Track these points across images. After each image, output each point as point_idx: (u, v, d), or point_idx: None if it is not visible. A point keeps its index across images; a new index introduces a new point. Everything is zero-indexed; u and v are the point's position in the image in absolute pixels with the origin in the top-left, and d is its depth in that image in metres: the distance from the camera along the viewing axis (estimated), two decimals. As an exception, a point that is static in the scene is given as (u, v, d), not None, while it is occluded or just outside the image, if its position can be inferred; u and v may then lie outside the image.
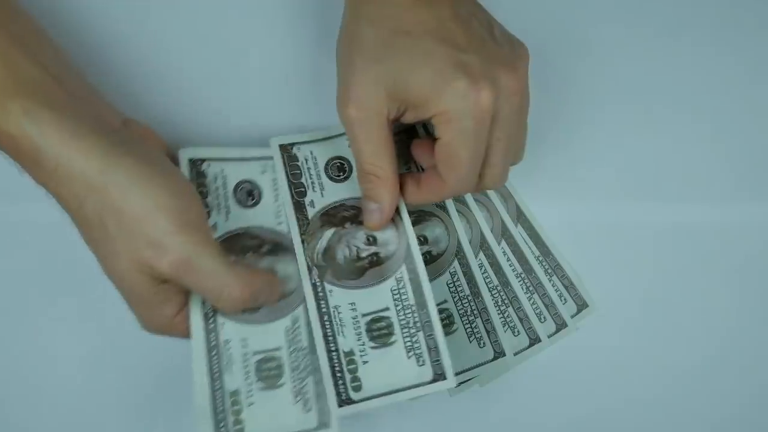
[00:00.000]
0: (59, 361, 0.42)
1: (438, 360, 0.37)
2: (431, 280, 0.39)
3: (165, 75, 0.43)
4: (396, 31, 0.34)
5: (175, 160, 0.38)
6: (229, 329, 0.36)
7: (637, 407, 0.44)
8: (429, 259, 0.41)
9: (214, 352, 0.36)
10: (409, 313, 0.38)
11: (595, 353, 0.44)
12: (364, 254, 0.39)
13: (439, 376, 0.36)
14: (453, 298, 0.43)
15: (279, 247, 0.38)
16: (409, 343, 0.37)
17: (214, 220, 0.38)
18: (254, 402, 0.35)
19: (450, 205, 0.44)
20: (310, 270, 0.39)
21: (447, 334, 0.40)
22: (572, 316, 0.44)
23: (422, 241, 0.41)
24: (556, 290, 0.44)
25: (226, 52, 0.44)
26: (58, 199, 0.32)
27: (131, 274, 0.32)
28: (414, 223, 0.40)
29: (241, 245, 0.38)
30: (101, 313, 0.42)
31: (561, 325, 0.44)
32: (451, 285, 0.43)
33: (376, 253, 0.39)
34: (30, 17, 0.36)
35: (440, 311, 0.40)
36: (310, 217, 0.40)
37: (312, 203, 0.40)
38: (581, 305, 0.44)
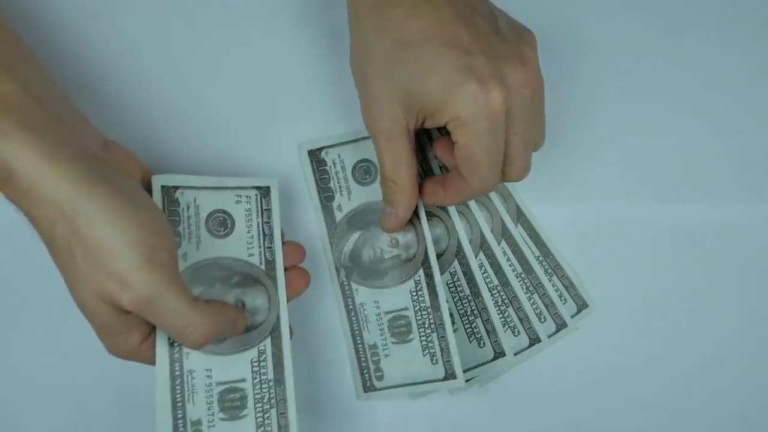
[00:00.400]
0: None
1: (449, 360, 0.40)
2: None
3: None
4: (401, 42, 0.34)
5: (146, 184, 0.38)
6: (193, 359, 0.36)
7: (637, 407, 0.44)
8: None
9: (177, 381, 0.36)
10: (425, 314, 0.41)
11: (595, 353, 0.44)
12: (387, 256, 0.42)
13: (449, 375, 0.40)
14: (453, 298, 0.43)
15: (249, 278, 0.38)
16: (424, 342, 0.40)
17: (185, 249, 0.37)
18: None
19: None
20: (338, 270, 0.42)
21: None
22: (572, 316, 0.44)
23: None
24: (556, 290, 0.44)
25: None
26: (30, 219, 0.32)
27: (95, 303, 0.32)
28: None
29: (210, 275, 0.37)
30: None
31: (561, 325, 0.44)
32: (451, 285, 0.43)
33: (398, 256, 0.42)
34: (15, 35, 0.36)
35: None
36: (337, 221, 0.42)
37: (339, 207, 0.42)
38: (581, 305, 0.44)
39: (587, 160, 0.45)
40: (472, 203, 0.44)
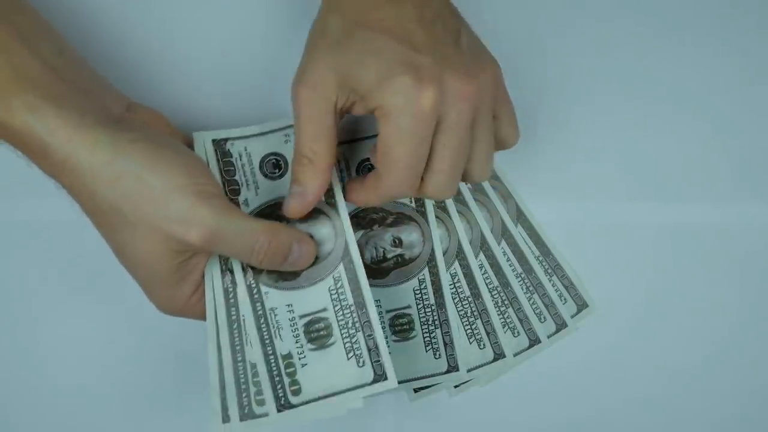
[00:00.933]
0: (67, 359, 0.42)
1: (453, 354, 0.40)
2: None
3: (171, 64, 0.43)
4: (359, 24, 0.34)
5: (184, 143, 0.39)
6: (272, 297, 0.37)
7: (637, 407, 0.44)
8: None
9: (262, 320, 0.37)
10: (428, 311, 0.41)
11: (595, 353, 0.44)
12: (389, 255, 0.41)
13: (453, 368, 0.40)
14: (454, 299, 0.43)
15: (312, 210, 0.38)
16: (427, 338, 0.41)
17: (245, 196, 0.39)
18: (307, 363, 0.36)
19: (450, 205, 0.44)
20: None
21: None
22: (572, 316, 0.44)
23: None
24: (556, 290, 0.44)
25: (228, 42, 0.43)
26: (69, 190, 0.33)
27: (156, 254, 0.33)
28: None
29: (275, 216, 0.38)
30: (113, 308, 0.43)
31: (561, 325, 0.44)
32: (452, 286, 0.43)
33: (401, 255, 0.41)
34: (32, 9, 0.36)
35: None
36: None
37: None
38: (581, 305, 0.44)
39: (587, 160, 0.45)
40: (471, 203, 0.44)
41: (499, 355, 0.43)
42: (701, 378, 0.44)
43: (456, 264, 0.43)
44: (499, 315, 0.43)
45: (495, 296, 0.43)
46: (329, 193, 0.40)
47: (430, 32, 0.34)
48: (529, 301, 0.44)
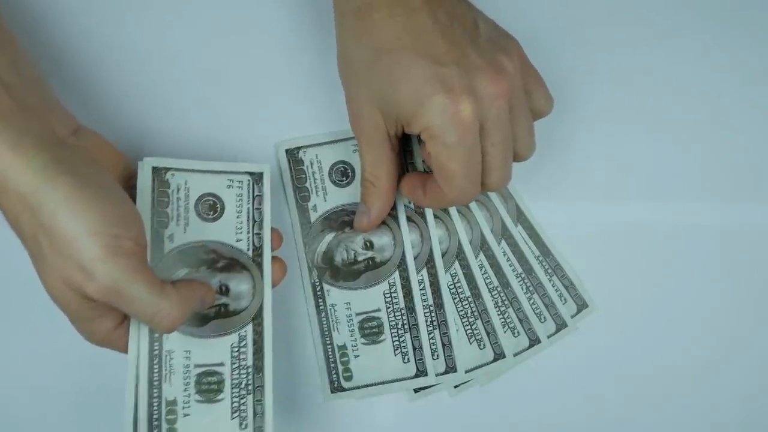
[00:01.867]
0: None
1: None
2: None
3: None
4: (377, 50, 0.34)
5: (133, 172, 0.38)
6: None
7: (637, 407, 0.44)
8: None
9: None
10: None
11: (595, 353, 0.44)
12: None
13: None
14: (454, 299, 0.43)
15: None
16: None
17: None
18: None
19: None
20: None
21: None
22: (572, 316, 0.44)
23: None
24: (556, 290, 0.44)
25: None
26: (0, 208, 0.32)
27: (64, 291, 0.32)
28: None
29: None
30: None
31: (561, 325, 0.44)
32: (452, 286, 0.43)
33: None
34: None
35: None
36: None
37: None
38: (581, 305, 0.44)
39: (587, 160, 0.45)
40: (472, 203, 0.44)
41: (499, 355, 0.43)
42: (701, 378, 0.44)
43: (456, 264, 0.43)
44: (499, 315, 0.43)
45: (495, 296, 0.43)
46: (393, 208, 0.42)
47: (449, 37, 0.34)
48: (529, 301, 0.44)
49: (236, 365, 0.37)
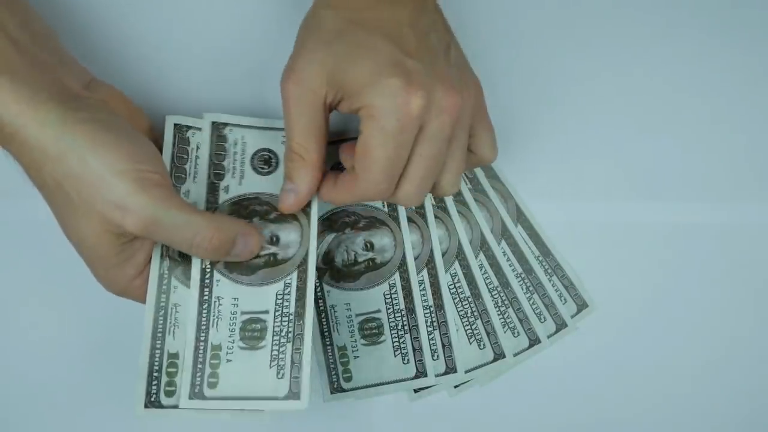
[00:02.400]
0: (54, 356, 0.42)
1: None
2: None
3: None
4: (353, 21, 0.34)
5: (151, 124, 0.39)
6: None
7: (637, 407, 0.44)
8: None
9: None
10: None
11: (595, 353, 0.44)
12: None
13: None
14: (454, 299, 0.43)
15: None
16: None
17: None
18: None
19: (450, 205, 0.44)
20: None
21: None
22: (572, 316, 0.44)
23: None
24: (556, 290, 0.44)
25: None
26: (19, 162, 0.33)
27: (95, 236, 0.33)
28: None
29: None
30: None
31: (561, 325, 0.44)
32: (452, 286, 0.43)
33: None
34: None
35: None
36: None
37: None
38: (581, 305, 0.44)
39: (587, 160, 0.45)
40: (472, 203, 0.44)
41: (499, 355, 0.43)
42: (701, 378, 0.44)
43: (456, 264, 0.43)
44: (499, 315, 0.43)
45: (495, 296, 0.43)
46: (392, 207, 0.42)
47: (423, 41, 0.34)
48: (529, 301, 0.44)
49: (279, 312, 0.37)
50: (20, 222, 0.42)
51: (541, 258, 0.44)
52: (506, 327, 0.43)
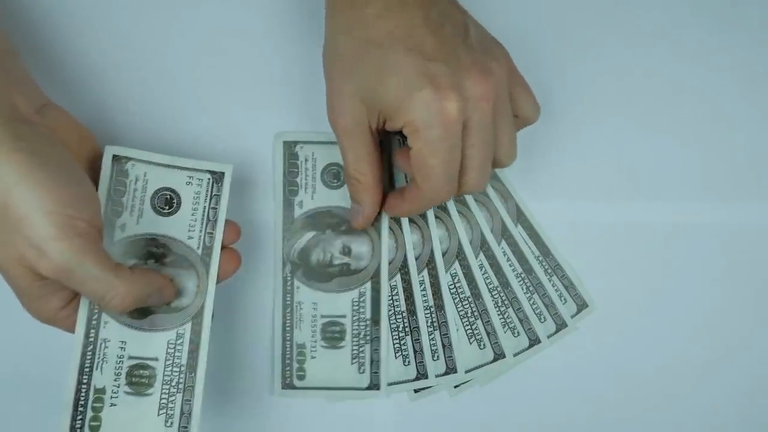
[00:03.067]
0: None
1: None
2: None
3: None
4: (367, 42, 0.34)
5: (100, 155, 0.38)
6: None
7: (637, 407, 0.44)
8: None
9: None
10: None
11: (595, 353, 0.44)
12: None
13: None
14: (454, 299, 0.43)
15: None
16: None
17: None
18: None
19: (450, 205, 0.44)
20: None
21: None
22: (572, 316, 0.44)
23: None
24: (556, 290, 0.44)
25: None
26: None
27: (15, 268, 0.32)
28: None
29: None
30: None
31: (561, 325, 0.44)
32: (452, 286, 0.43)
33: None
34: None
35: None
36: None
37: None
38: (581, 305, 0.44)
39: (587, 159, 0.45)
40: (472, 203, 0.44)
41: (499, 356, 0.43)
42: (701, 378, 0.44)
43: (456, 264, 0.43)
44: (499, 315, 0.43)
45: (495, 296, 0.43)
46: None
47: (440, 35, 0.34)
48: (529, 301, 0.44)
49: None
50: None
51: (541, 258, 0.44)
52: (506, 327, 0.43)
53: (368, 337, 0.42)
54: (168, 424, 0.36)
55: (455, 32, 0.35)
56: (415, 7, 0.34)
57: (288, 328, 0.42)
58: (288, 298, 0.42)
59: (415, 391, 0.43)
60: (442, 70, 0.33)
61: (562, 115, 0.45)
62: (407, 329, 0.42)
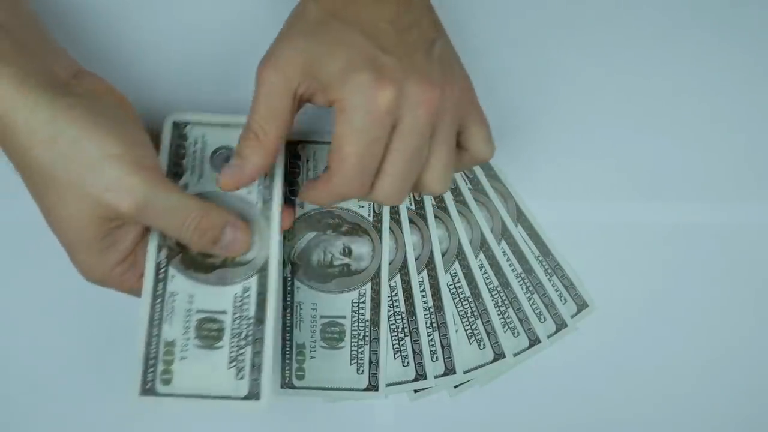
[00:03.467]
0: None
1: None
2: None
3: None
4: (334, 15, 0.34)
5: (136, 114, 0.38)
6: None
7: (637, 407, 0.44)
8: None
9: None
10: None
11: (595, 353, 0.44)
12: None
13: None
14: (454, 299, 0.43)
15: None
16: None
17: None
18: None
19: (450, 205, 0.44)
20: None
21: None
22: (572, 316, 0.44)
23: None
24: (556, 290, 0.44)
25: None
26: (2, 146, 0.33)
27: (82, 220, 0.33)
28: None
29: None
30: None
31: (561, 325, 0.44)
32: (452, 286, 0.43)
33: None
34: None
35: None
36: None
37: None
38: (581, 305, 0.44)
39: (587, 159, 0.45)
40: (472, 203, 0.44)
41: (499, 356, 0.43)
42: (701, 378, 0.44)
43: (456, 264, 0.43)
44: (499, 315, 0.43)
45: (495, 296, 0.43)
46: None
47: (403, 36, 0.34)
48: (529, 301, 0.44)
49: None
50: (20, 222, 0.42)
51: (541, 258, 0.44)
52: (506, 327, 0.43)
53: (367, 338, 0.42)
54: (239, 377, 0.36)
55: (419, 41, 0.35)
56: (390, 5, 0.34)
57: (288, 328, 0.42)
58: (288, 298, 0.42)
59: (415, 391, 0.43)
60: (390, 63, 0.33)
61: (562, 115, 0.45)
62: (406, 330, 0.42)
